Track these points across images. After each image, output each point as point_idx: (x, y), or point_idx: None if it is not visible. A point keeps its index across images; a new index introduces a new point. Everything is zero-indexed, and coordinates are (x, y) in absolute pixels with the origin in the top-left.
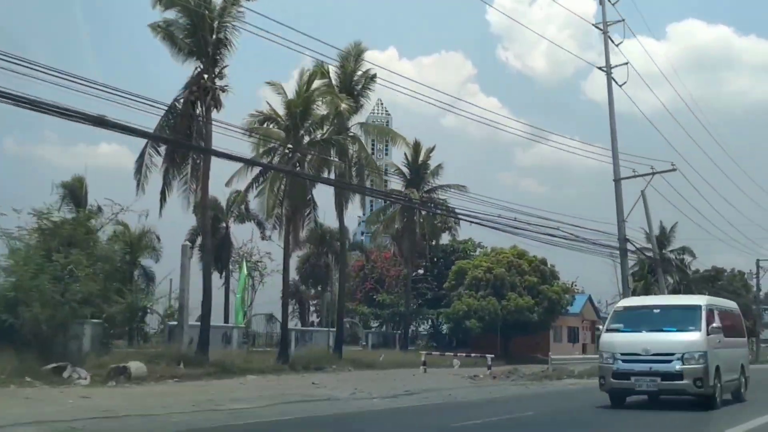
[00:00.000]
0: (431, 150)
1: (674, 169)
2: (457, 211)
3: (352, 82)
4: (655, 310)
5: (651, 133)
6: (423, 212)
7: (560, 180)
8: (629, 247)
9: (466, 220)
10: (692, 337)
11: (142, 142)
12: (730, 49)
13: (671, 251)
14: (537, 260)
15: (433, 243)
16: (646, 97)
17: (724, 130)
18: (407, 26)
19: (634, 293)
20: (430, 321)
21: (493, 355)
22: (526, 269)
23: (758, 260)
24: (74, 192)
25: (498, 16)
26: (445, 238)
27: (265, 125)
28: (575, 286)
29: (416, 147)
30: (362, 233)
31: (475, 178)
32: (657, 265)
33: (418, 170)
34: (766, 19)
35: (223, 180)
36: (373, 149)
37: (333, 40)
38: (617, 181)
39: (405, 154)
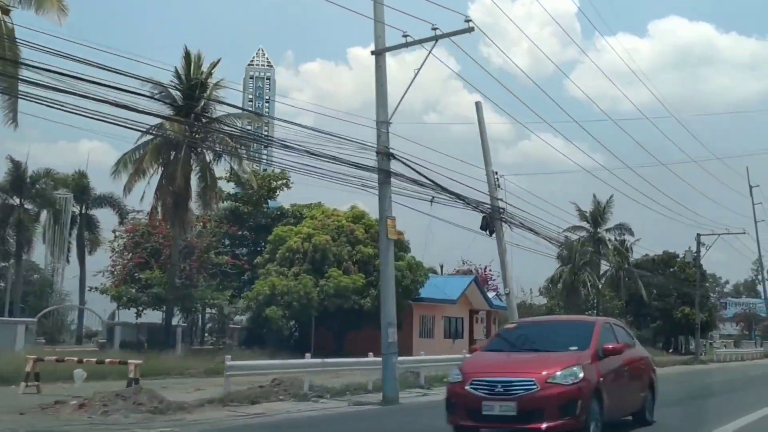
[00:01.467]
0: (215, 64)
1: (470, 29)
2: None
3: None
4: None
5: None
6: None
7: (542, 176)
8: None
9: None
10: None
11: None
12: (712, 47)
13: (607, 230)
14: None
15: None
16: (629, 94)
17: (705, 126)
18: (388, 22)
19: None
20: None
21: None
22: (361, 237)
23: (698, 234)
24: None
25: (480, 13)
26: (286, 199)
27: None
28: (489, 270)
29: (188, 57)
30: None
31: (458, 175)
32: (495, 216)
33: (193, 91)
34: (747, 16)
35: None
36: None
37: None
38: (378, 53)
39: (176, 68)
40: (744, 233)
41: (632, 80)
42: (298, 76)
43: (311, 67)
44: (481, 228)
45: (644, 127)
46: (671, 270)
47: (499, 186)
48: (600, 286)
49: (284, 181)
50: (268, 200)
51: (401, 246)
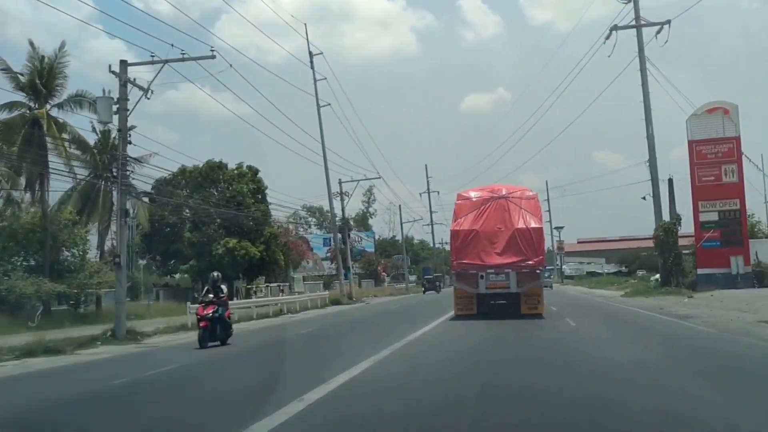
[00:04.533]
0: None
1: None
2: None
3: None
4: None
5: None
6: None
7: (192, 127)
8: None
9: None
10: None
11: None
12: (349, 3)
13: (61, 105)
14: None
15: None
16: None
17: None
18: None
19: None
20: None
21: None
22: None
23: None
24: None
25: None
26: None
27: None
28: None
29: None
30: None
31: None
32: None
33: None
34: None
35: None
36: None
37: None
38: None
39: None
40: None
41: (278, 32)
42: None
43: None
44: None
45: (293, 76)
46: (218, 187)
47: None
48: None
49: None
50: None
51: None
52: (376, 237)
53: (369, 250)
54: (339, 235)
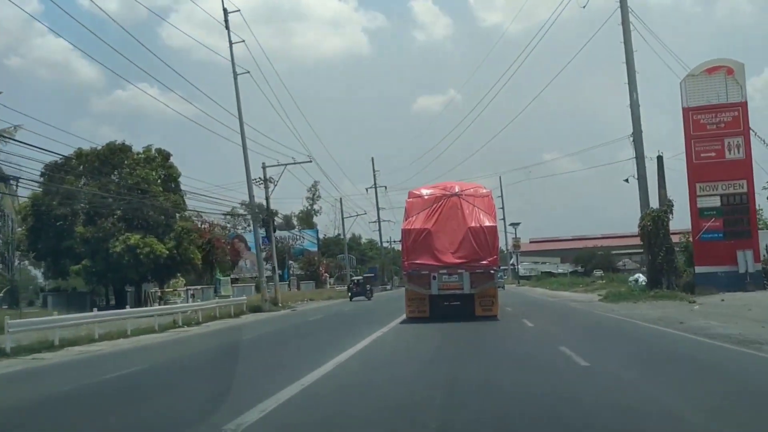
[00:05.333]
0: None
1: None
2: None
3: None
4: None
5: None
6: None
7: (138, 127)
8: None
9: None
10: None
11: None
12: (300, 3)
13: None
14: None
15: None
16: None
17: (297, 79)
18: None
19: None
20: None
21: None
22: None
23: None
24: None
25: None
26: None
27: None
28: None
29: None
30: None
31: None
32: None
33: None
34: None
35: None
36: None
37: None
38: None
39: None
40: None
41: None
42: None
43: None
44: None
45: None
46: (121, 173)
47: None
48: None
49: None
50: None
51: None
52: (321, 236)
53: (312, 249)
54: (262, 231)
